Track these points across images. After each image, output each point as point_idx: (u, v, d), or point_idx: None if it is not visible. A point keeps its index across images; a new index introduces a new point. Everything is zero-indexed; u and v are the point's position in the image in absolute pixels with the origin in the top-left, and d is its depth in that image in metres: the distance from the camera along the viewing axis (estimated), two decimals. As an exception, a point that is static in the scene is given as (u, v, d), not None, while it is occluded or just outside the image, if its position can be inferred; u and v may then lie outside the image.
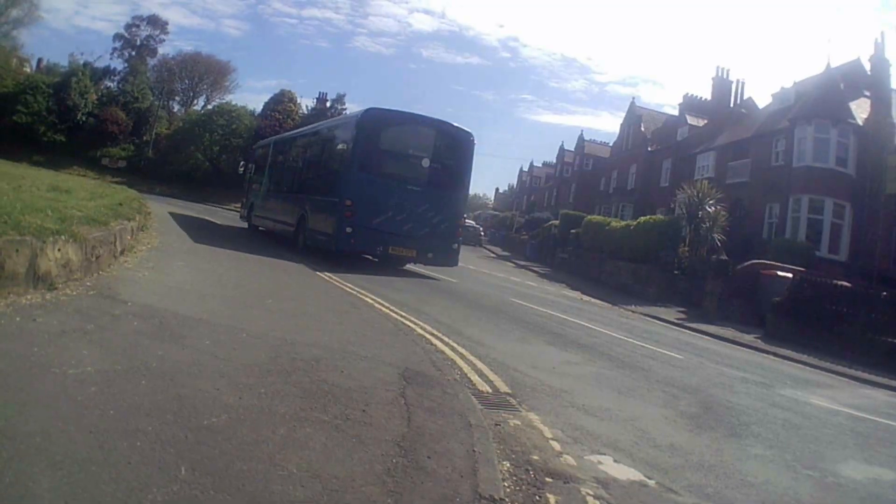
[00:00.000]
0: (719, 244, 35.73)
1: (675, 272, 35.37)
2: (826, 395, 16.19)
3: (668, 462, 8.27)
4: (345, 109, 77.17)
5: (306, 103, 77.92)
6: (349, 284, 18.44)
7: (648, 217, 41.39)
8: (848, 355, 22.93)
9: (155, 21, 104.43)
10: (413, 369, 9.57)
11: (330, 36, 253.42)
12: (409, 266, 27.16)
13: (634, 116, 74.86)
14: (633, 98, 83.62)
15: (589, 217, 49.67)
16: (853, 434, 11.94)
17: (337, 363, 8.90)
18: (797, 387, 16.58)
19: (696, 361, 17.68)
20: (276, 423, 6.16)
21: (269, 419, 6.24)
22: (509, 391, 10.15)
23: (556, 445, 8.00)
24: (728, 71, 64.34)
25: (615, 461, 7.88)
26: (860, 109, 43.01)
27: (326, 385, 7.78)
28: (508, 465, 7.00)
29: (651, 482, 7.42)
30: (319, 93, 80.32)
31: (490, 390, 10.02)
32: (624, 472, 7.56)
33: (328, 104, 77.30)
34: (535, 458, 7.39)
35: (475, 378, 10.53)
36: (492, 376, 10.85)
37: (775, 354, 22.54)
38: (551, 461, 7.41)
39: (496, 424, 8.29)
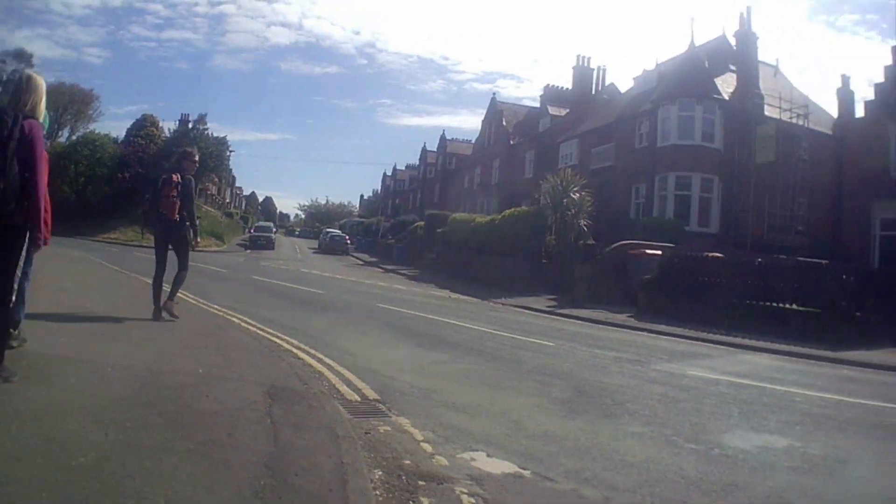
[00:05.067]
0: (586, 229, 35.96)
1: (544, 261, 35.61)
2: (704, 365, 16.12)
3: (543, 450, 8.05)
4: (206, 129, 76.11)
5: (168, 126, 76.77)
6: (215, 306, 17.98)
7: (513, 209, 41.75)
8: (725, 324, 23.10)
9: (20, 55, 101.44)
10: (279, 386, 9.13)
11: (189, 56, 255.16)
12: (269, 279, 26.51)
13: (495, 112, 75.31)
14: (494, 93, 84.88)
15: (454, 215, 50.19)
16: (737, 402, 11.74)
17: (202, 388, 8.42)
18: (673, 360, 16.50)
19: (568, 347, 17.49)
20: (142, 457, 5.76)
21: (135, 453, 5.84)
22: (378, 397, 9.86)
23: (428, 447, 7.80)
24: (589, 59, 65.12)
25: (488, 456, 7.68)
26: (726, 84, 43.67)
27: (192, 412, 7.34)
28: (380, 473, 6.72)
29: (526, 472, 7.20)
30: (181, 114, 78.93)
31: (359, 398, 9.73)
32: (498, 466, 7.36)
33: (190, 125, 76.06)
34: (407, 462, 7.13)
35: (343, 388, 10.22)
36: (360, 384, 10.54)
37: (649, 331, 22.53)
38: (423, 463, 7.19)
39: (366, 433, 8.00)
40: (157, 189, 13.62)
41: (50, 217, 7.95)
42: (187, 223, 13.80)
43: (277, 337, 14.24)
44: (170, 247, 14.00)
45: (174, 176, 13.55)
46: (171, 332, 12.64)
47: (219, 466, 5.84)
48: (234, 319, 16.06)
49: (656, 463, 7.84)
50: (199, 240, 14.78)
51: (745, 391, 13.00)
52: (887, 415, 11.98)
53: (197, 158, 14.74)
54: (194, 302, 17.85)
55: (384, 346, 15.17)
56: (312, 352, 12.92)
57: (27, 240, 7.43)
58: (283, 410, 7.92)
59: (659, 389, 12.36)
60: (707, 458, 8.18)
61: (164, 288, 13.76)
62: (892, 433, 10.45)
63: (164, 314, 13.49)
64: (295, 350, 12.91)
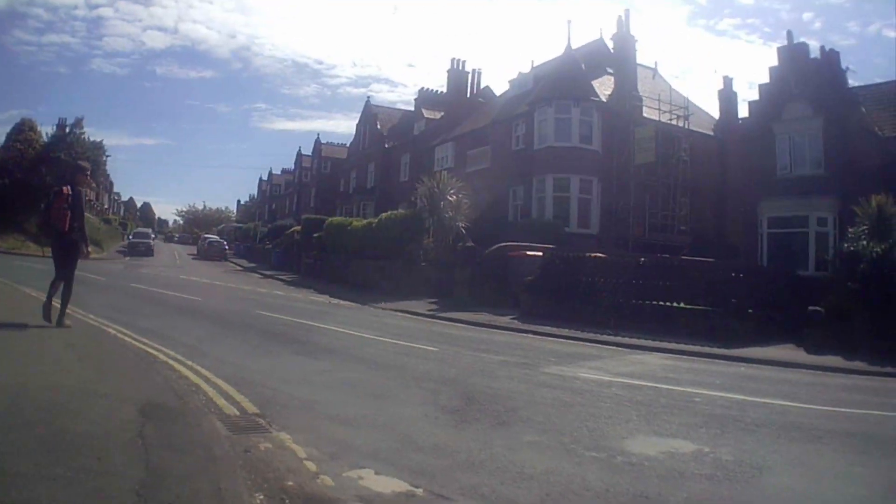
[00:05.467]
0: (465, 232, 35.62)
1: (423, 264, 35.13)
2: (594, 366, 15.79)
3: (435, 465, 7.57)
4: (83, 133, 74.48)
5: (46, 131, 74.91)
6: (91, 316, 17.16)
7: (390, 213, 41.36)
8: (612, 324, 22.96)
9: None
10: (153, 402, 8.46)
11: (68, 60, 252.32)
12: (147, 286, 25.70)
13: (370, 115, 74.64)
14: (368, 97, 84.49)
15: (330, 219, 49.88)
16: (634, 404, 11.37)
17: (75, 406, 7.73)
18: (562, 362, 16.10)
19: (453, 351, 17.09)
20: (8, 485, 5.25)
21: (4, 480, 5.32)
22: (258, 411, 9.27)
23: (312, 465, 7.25)
24: (464, 62, 65.12)
25: (377, 473, 7.14)
26: (604, 87, 43.72)
27: (64, 434, 6.63)
28: (262, 497, 6.14)
29: (419, 490, 6.73)
30: (59, 119, 76.98)
31: (238, 413, 9.13)
32: (388, 485, 6.85)
33: (67, 130, 74.37)
34: (290, 483, 6.58)
35: (221, 401, 9.62)
36: (238, 397, 9.95)
37: (534, 333, 22.16)
38: (308, 484, 6.66)
39: (246, 451, 7.42)
40: (49, 202, 13.85)
41: None
42: (77, 233, 13.90)
43: (154, 348, 13.69)
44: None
45: (65, 188, 13.75)
46: (43, 344, 11.93)
47: (89, 496, 5.31)
48: (110, 330, 15.42)
49: (557, 474, 7.38)
50: (89, 249, 14.99)
51: (641, 393, 12.66)
52: (795, 415, 11.62)
53: (89, 172, 15.56)
54: (69, 311, 16.84)
55: (264, 356, 14.66)
56: (189, 363, 12.37)
57: None
58: (158, 430, 7.27)
59: (551, 394, 11.98)
60: (611, 467, 7.75)
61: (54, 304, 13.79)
62: (805, 435, 10.06)
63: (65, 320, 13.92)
64: (171, 361, 12.40)
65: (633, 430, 9.57)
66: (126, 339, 14.51)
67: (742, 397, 12.67)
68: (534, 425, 9.50)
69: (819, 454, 9.14)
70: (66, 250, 13.97)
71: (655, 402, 11.65)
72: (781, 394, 13.48)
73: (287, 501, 6.09)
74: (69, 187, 13.83)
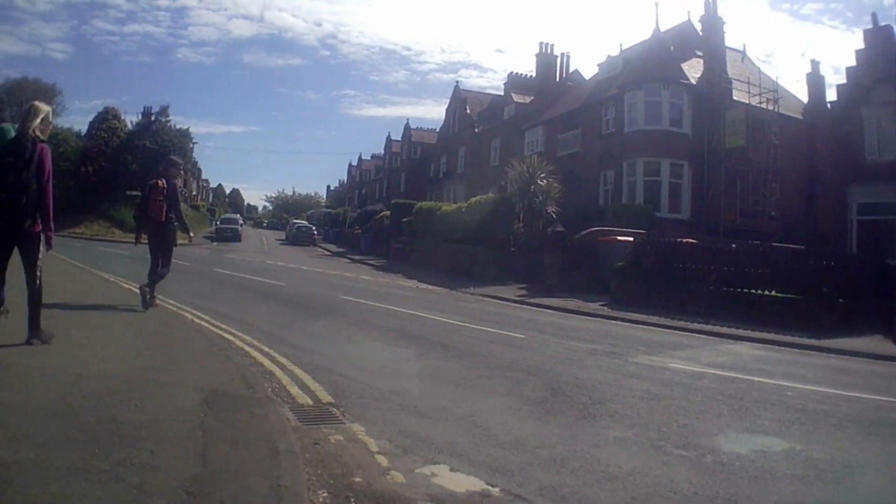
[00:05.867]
0: (555, 217, 35.28)
1: (513, 249, 34.97)
2: (685, 356, 15.35)
3: (514, 461, 7.16)
4: (169, 122, 75.72)
5: (131, 119, 75.78)
6: (171, 301, 16.88)
7: (480, 197, 41.21)
8: (702, 311, 22.58)
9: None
10: (220, 391, 8.22)
11: (152, 50, 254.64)
12: (231, 271, 25.70)
13: (459, 100, 74.48)
14: (457, 82, 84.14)
15: (420, 204, 49.60)
16: (725, 398, 10.90)
17: (132, 395, 7.42)
18: (652, 352, 15.65)
19: (540, 339, 16.70)
20: (49, 479, 4.97)
21: (42, 474, 5.05)
22: (332, 401, 9.01)
23: (384, 460, 6.90)
24: (552, 46, 64.34)
25: (452, 470, 6.79)
26: (693, 69, 43.21)
27: (115, 424, 6.34)
28: (326, 494, 5.83)
29: (495, 490, 6.32)
30: (144, 107, 77.88)
31: (311, 402, 8.86)
32: (462, 483, 6.47)
33: (152, 118, 75.14)
34: (358, 480, 6.23)
35: (294, 390, 9.36)
36: (313, 386, 9.69)
37: (623, 320, 21.80)
38: (377, 481, 6.28)
39: (315, 444, 7.13)
40: (145, 195, 15.11)
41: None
42: (175, 223, 15.31)
43: (230, 333, 13.49)
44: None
45: (160, 182, 14.96)
46: (112, 329, 11.85)
47: (132, 493, 4.97)
48: (186, 315, 15.21)
49: (643, 474, 6.96)
50: (192, 234, 17.89)
51: (733, 385, 12.17)
52: (887, 410, 11.22)
53: (182, 166, 17.58)
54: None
55: (343, 342, 14.48)
56: (266, 349, 12.16)
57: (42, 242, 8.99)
58: (220, 421, 7.01)
59: (640, 385, 11.56)
60: (700, 467, 7.30)
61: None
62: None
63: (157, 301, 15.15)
64: (247, 348, 12.15)
65: (725, 427, 9.16)
66: (203, 324, 14.36)
67: (834, 391, 12.20)
68: (621, 419, 9.12)
69: None
70: (163, 239, 15.12)
71: (747, 396, 11.18)
72: (873, 387, 13.11)
73: (353, 500, 5.77)
74: (164, 181, 14.96)
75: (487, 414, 9.00)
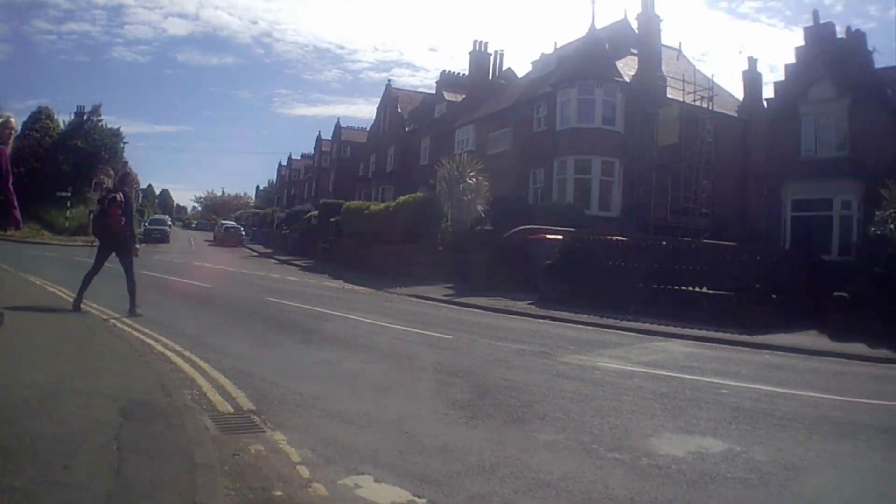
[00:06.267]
0: (484, 215, 35.34)
1: (440, 248, 34.89)
2: (615, 355, 15.28)
3: (441, 470, 6.89)
4: (101, 121, 74.59)
5: (63, 119, 75.00)
6: (94, 305, 16.45)
7: (408, 196, 40.99)
8: (632, 309, 22.60)
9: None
10: (138, 399, 7.90)
11: (88, 49, 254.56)
12: (157, 273, 25.40)
13: (390, 98, 74.29)
14: (389, 80, 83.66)
15: (348, 203, 49.38)
16: (658, 397, 10.75)
17: (49, 405, 7.14)
18: (581, 350, 15.56)
19: (468, 339, 16.51)
20: None
21: None
22: (254, 408, 8.67)
23: (305, 471, 6.58)
24: (486, 44, 64.13)
25: (376, 480, 6.50)
26: (627, 67, 43.30)
27: (29, 437, 6.04)
28: None
29: (421, 501, 6.09)
30: (77, 107, 77.28)
31: (231, 410, 8.53)
32: (387, 494, 6.19)
33: (85, 118, 74.36)
34: (279, 493, 5.93)
35: (215, 397, 9.02)
36: (234, 392, 9.34)
37: (552, 318, 21.74)
38: (298, 495, 6.01)
39: (234, 455, 6.80)
40: (104, 208, 15.93)
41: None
42: (129, 234, 16.18)
43: (152, 338, 13.12)
44: (114, 255, 16.06)
45: (118, 196, 15.79)
46: (33, 336, 11.43)
47: None
48: (110, 320, 14.86)
49: (577, 480, 6.74)
50: (138, 248, 17.62)
51: (665, 384, 12.03)
52: (827, 407, 11.09)
53: (137, 179, 19.84)
54: (69, 299, 16.49)
55: (267, 346, 14.18)
56: (187, 354, 11.80)
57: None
58: (136, 432, 6.66)
59: (570, 385, 11.35)
60: (636, 471, 7.09)
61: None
62: (840, 430, 9.54)
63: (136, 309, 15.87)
64: (168, 353, 11.85)
65: (659, 427, 8.96)
66: (125, 328, 13.94)
67: (770, 388, 12.12)
68: (551, 422, 8.89)
69: (857, 452, 8.58)
70: (120, 249, 16.02)
71: (680, 395, 11.03)
72: (811, 384, 13.06)
73: (272, 517, 5.42)
74: (121, 194, 15.85)
75: (413, 419, 8.75)
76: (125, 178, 17.64)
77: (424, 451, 7.42)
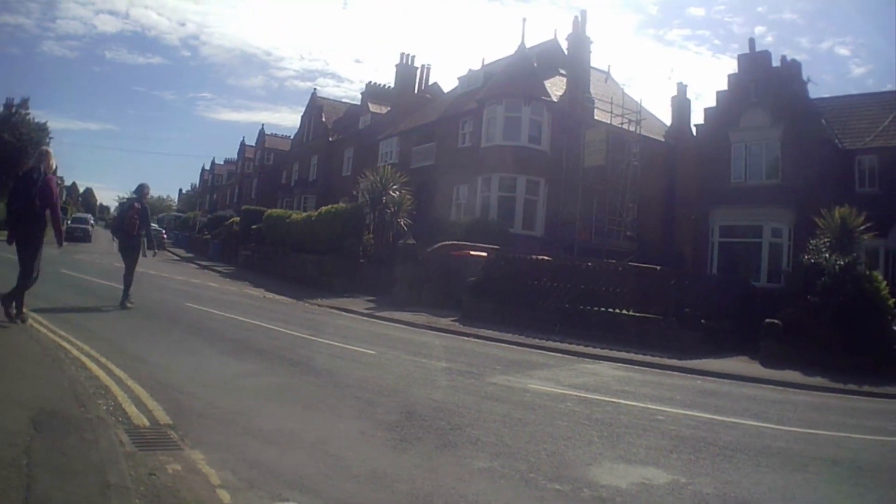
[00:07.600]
0: (406, 229, 35.06)
1: (362, 261, 34.56)
2: (545, 377, 14.89)
3: (371, 498, 6.56)
4: (28, 115, 74.63)
5: (-8, 111, 73.95)
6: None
7: (331, 206, 40.58)
8: (557, 329, 22.23)
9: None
10: (50, 409, 7.44)
11: (21, 42, 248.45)
12: (78, 273, 26.46)
13: (315, 107, 74.14)
14: (315, 89, 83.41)
15: (270, 211, 49.13)
16: (593, 423, 10.41)
17: None
18: (510, 371, 15.20)
19: (392, 355, 16.08)
20: None
21: None
22: (171, 422, 8.22)
23: (226, 496, 6.18)
24: (413, 57, 64.15)
25: None
26: (556, 87, 43.29)
27: None
28: None
29: None
30: (6, 99, 76.46)
31: (147, 423, 8.08)
32: None
33: (13, 110, 73.25)
34: None
35: (130, 409, 8.56)
36: (151, 404, 8.86)
37: (477, 336, 21.32)
38: None
39: (150, 474, 6.33)
40: (123, 212, 20.58)
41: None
42: (143, 237, 20.14)
43: (68, 341, 12.79)
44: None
45: (136, 204, 20.24)
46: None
47: None
48: (28, 321, 14.04)
49: (518, 512, 6.24)
50: (155, 251, 22.34)
51: (600, 409, 11.70)
52: (771, 437, 10.81)
53: (149, 192, 24.33)
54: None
55: (186, 354, 13.57)
56: (103, 360, 11.38)
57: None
58: (48, 446, 6.26)
59: (501, 408, 10.98)
60: (578, 503, 6.70)
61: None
62: (788, 462, 9.29)
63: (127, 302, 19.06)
64: (84, 358, 11.43)
65: (597, 455, 8.59)
66: (41, 329, 13.57)
67: (709, 416, 11.88)
68: (484, 447, 8.49)
69: (808, 485, 8.40)
70: (132, 248, 19.98)
71: (616, 421, 10.70)
72: (749, 412, 12.79)
73: (190, 547, 4.94)
74: (139, 203, 20.31)
75: (339, 440, 8.38)
76: (142, 190, 21.31)
77: (352, 476, 7.04)
